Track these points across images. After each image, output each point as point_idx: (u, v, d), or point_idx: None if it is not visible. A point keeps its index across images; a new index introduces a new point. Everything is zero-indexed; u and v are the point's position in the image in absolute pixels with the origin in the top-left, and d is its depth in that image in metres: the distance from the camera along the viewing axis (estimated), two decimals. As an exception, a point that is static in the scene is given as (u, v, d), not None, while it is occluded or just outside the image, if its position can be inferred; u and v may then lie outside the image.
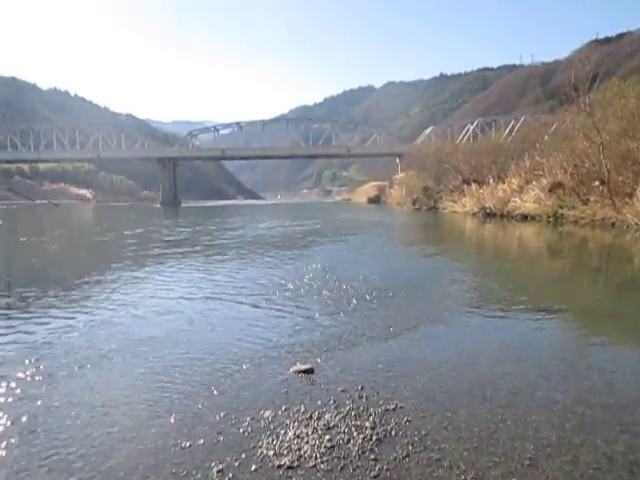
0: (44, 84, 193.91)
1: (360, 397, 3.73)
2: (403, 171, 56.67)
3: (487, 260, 12.43)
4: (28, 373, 4.28)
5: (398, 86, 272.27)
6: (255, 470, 2.80)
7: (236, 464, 2.85)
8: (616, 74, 53.04)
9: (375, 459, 2.88)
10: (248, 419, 3.40)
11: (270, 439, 3.12)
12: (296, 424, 3.31)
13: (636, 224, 16.32)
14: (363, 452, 2.95)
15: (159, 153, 79.45)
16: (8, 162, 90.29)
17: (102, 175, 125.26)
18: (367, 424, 3.29)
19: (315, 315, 6.19)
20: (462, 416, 3.40)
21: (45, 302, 7.24)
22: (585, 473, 2.74)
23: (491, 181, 28.30)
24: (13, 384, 4.05)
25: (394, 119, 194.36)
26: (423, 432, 3.18)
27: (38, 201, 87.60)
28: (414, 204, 39.50)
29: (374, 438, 3.11)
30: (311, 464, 2.84)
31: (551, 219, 20.89)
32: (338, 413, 3.46)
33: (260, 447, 3.03)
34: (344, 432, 3.19)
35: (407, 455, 2.91)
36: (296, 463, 2.85)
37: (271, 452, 2.97)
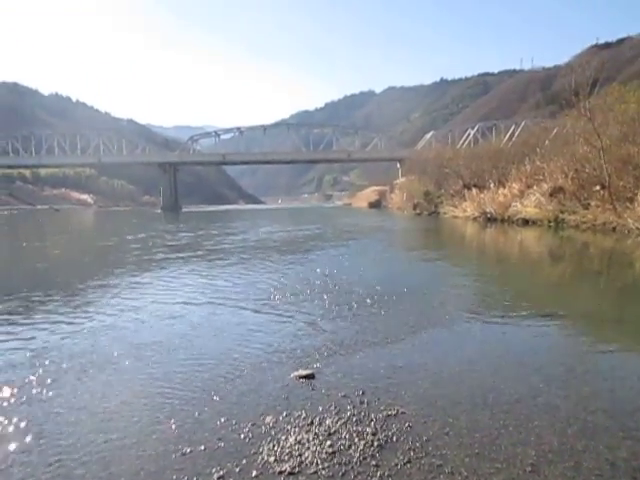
0: (46, 89, 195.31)
1: (361, 402, 3.73)
2: (404, 176, 56.71)
3: (488, 265, 12.42)
4: (31, 378, 4.28)
5: (399, 91, 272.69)
6: (256, 476, 2.79)
7: (237, 470, 2.84)
8: (616, 79, 53.27)
9: (377, 465, 2.87)
10: (249, 425, 3.39)
11: (271, 445, 3.11)
12: (297, 430, 3.31)
13: (637, 229, 16.30)
14: (364, 458, 2.94)
15: (160, 158, 79.54)
16: (9, 167, 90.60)
17: (103, 180, 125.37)
18: (368, 430, 3.29)
19: (316, 320, 6.18)
20: (463, 422, 3.39)
21: (49, 307, 7.24)
22: (587, 479, 2.73)
23: (492, 186, 28.30)
24: (16, 389, 4.04)
25: (395, 124, 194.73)
26: (424, 438, 3.17)
27: (39, 206, 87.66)
28: (415, 209, 39.49)
29: (375, 444, 3.10)
30: (312, 470, 2.83)
31: (552, 224, 20.87)
32: (339, 419, 3.46)
33: (261, 453, 3.02)
34: (345, 438, 3.19)
35: (409, 461, 2.90)
36: (297, 469, 2.85)
37: (272, 458, 2.96)
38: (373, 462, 2.90)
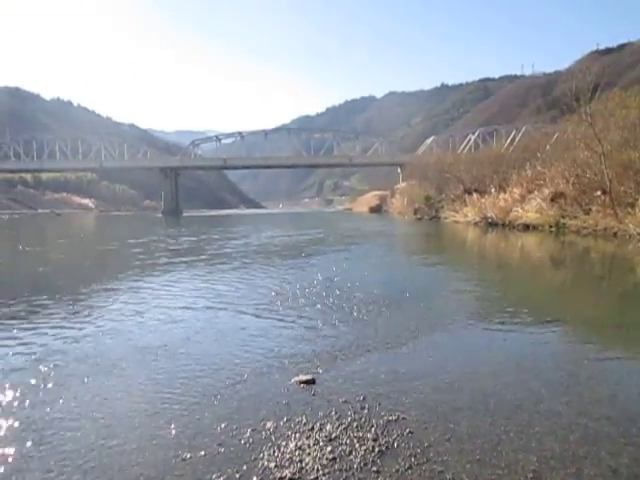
0: (47, 94, 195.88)
1: (362, 408, 3.71)
2: (404, 181, 56.82)
3: (489, 270, 12.41)
4: (33, 382, 4.27)
5: (399, 96, 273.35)
6: (256, 482, 2.78)
7: (237, 476, 2.83)
8: (617, 85, 53.26)
9: (377, 471, 2.86)
10: (249, 430, 3.38)
11: (271, 451, 3.10)
12: (298, 435, 3.29)
13: (638, 234, 16.30)
14: (365, 464, 2.93)
15: (161, 163, 79.79)
16: (11, 172, 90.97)
17: (104, 185, 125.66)
18: (369, 435, 3.27)
19: (317, 325, 6.17)
20: (465, 428, 3.37)
21: (51, 311, 7.24)
22: (589, 486, 2.72)
23: (493, 191, 28.35)
24: (17, 394, 4.04)
25: (395, 129, 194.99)
26: (425, 444, 3.16)
27: (40, 210, 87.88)
28: (416, 213, 39.53)
29: (376, 450, 3.09)
30: (313, 476, 2.82)
31: (553, 229, 20.87)
32: (340, 424, 3.44)
33: (261, 459, 3.01)
34: (346, 444, 3.17)
35: (409, 467, 2.89)
36: (298, 475, 2.83)
37: (272, 464, 2.95)
38: (374, 468, 2.89)
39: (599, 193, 19.67)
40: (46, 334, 5.92)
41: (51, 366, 4.72)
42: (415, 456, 3.01)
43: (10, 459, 3.06)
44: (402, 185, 56.04)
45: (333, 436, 3.27)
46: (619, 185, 18.91)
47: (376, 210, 62.70)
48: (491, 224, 25.47)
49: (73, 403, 3.88)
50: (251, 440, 3.24)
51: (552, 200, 21.87)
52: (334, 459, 2.99)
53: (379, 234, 25.07)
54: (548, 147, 28.34)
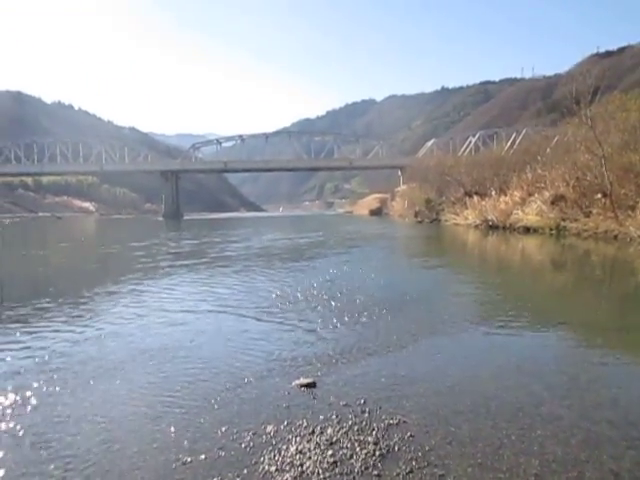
0: (48, 98, 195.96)
1: (363, 411, 3.70)
2: (405, 183, 56.79)
3: (490, 273, 12.40)
4: (34, 385, 4.27)
5: (400, 99, 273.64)
6: (257, 486, 2.77)
7: (238, 480, 2.82)
8: (617, 87, 53.45)
9: (378, 475, 2.85)
10: (250, 434, 3.37)
11: (272, 454, 3.09)
12: (298, 439, 3.29)
13: (639, 237, 16.29)
14: (366, 468, 2.92)
15: (162, 166, 79.81)
16: (12, 175, 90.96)
17: (105, 188, 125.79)
18: (370, 439, 3.26)
19: (318, 328, 6.17)
20: (466, 431, 3.37)
21: (53, 314, 7.24)
22: (591, 490, 2.71)
23: (493, 193, 28.36)
24: (19, 397, 4.04)
25: (396, 132, 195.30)
26: (427, 447, 3.15)
27: (41, 214, 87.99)
28: (416, 216, 39.52)
29: (377, 453, 3.08)
30: (314, 480, 2.81)
31: (553, 231, 20.86)
32: (341, 428, 3.44)
33: (262, 463, 3.00)
34: (347, 447, 3.16)
35: (411, 471, 2.88)
36: (298, 479, 2.83)
37: (273, 468, 2.94)
38: (375, 472, 2.88)
39: (600, 196, 19.67)
40: (48, 337, 5.92)
41: (53, 369, 4.72)
42: (416, 460, 3.00)
43: (9, 462, 3.06)
44: (402, 188, 56.02)
45: (334, 440, 3.27)
46: (620, 188, 18.91)
47: (376, 213, 62.72)
48: (492, 227, 25.46)
49: (74, 406, 3.88)
50: (252, 444, 3.24)
51: (552, 203, 21.86)
52: (335, 463, 2.98)
53: (380, 237, 25.06)
54: (548, 150, 28.35)
